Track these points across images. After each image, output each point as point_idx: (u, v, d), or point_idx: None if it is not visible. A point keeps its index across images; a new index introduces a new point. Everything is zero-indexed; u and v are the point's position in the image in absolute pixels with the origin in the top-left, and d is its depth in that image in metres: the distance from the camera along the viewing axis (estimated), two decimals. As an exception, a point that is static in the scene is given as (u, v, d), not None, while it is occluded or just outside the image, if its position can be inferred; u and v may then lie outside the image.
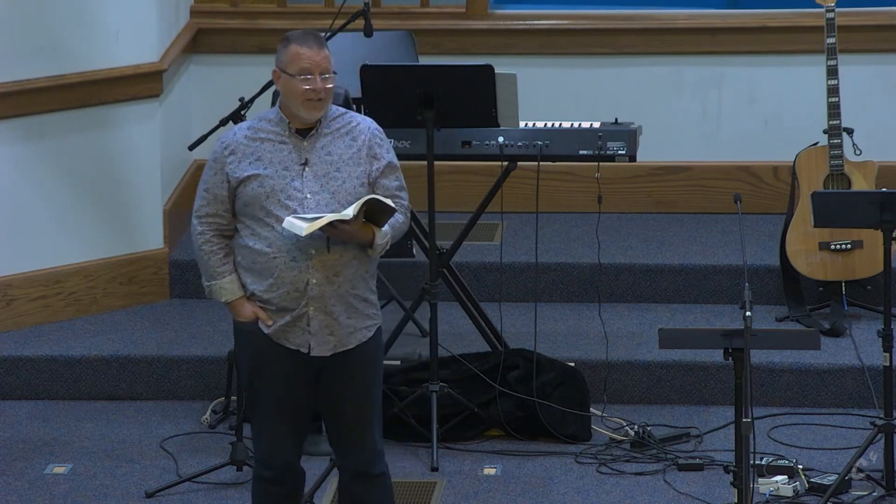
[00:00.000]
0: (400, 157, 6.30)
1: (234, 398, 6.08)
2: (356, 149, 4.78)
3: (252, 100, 5.94)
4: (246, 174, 4.74)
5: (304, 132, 4.76)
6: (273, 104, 6.00)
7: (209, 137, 5.98)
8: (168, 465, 5.91)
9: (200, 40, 7.39)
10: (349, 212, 4.66)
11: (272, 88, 6.04)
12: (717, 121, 7.38)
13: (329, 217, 4.64)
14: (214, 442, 6.06)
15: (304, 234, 4.63)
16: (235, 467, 5.78)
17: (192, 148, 6.11)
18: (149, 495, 5.71)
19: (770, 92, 7.32)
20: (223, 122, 5.93)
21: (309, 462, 5.86)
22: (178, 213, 7.13)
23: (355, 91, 6.14)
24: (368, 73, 6.10)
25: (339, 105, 5.90)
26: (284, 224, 4.66)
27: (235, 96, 5.96)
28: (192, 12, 7.41)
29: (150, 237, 6.90)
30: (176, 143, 6.96)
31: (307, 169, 4.73)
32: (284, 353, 4.75)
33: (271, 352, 4.76)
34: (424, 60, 6.68)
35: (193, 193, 7.38)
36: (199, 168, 7.51)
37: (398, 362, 6.25)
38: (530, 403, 6.03)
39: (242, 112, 5.90)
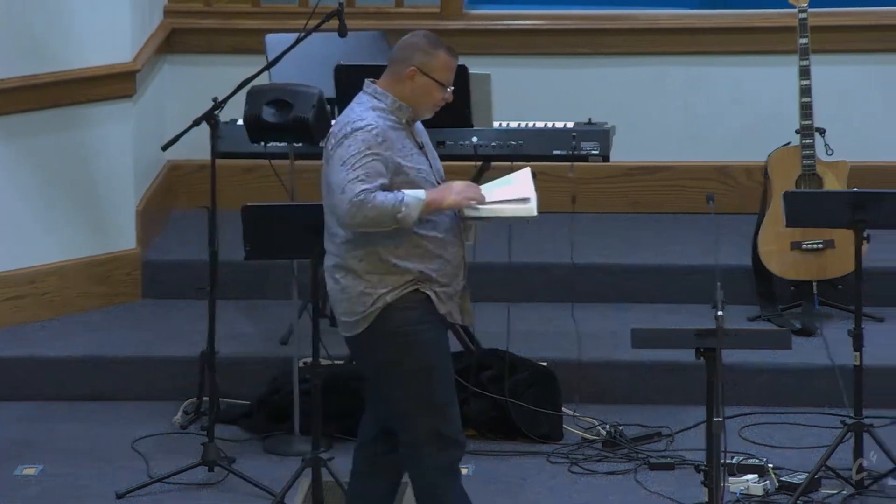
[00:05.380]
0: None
1: (205, 399, 6.08)
2: (421, 130, 5.00)
3: (226, 100, 5.94)
4: (395, 162, 4.83)
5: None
6: (247, 105, 6.04)
7: (182, 138, 5.98)
8: (141, 466, 5.90)
9: (174, 40, 7.38)
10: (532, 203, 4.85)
11: (246, 88, 6.03)
12: (692, 121, 7.39)
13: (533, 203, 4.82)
14: (187, 443, 6.05)
15: (535, 213, 4.82)
16: (207, 468, 5.78)
17: (165, 148, 6.10)
18: (119, 496, 5.71)
19: (744, 92, 7.34)
20: (196, 123, 5.92)
21: (281, 462, 5.88)
22: (150, 214, 7.13)
23: (330, 91, 6.14)
24: (343, 74, 6.10)
25: (314, 105, 5.94)
26: (520, 211, 4.80)
27: (209, 96, 5.95)
28: (166, 12, 7.41)
29: (123, 237, 6.89)
30: (149, 144, 6.95)
31: (423, 150, 4.92)
32: (445, 328, 4.89)
33: (444, 330, 4.89)
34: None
35: (166, 194, 7.57)
36: (172, 168, 7.52)
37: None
38: (503, 403, 6.03)
39: (216, 112, 5.89)
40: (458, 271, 4.89)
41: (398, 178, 4.80)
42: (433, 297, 4.83)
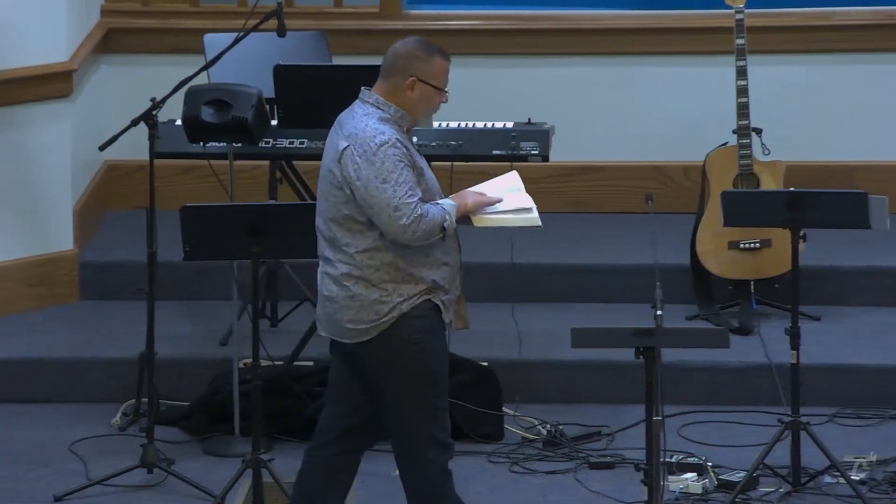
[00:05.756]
0: (314, 157, 6.32)
1: (144, 400, 6.05)
2: None
3: (164, 100, 5.90)
4: (419, 170, 4.85)
5: None
6: (186, 105, 6.01)
7: (120, 138, 5.94)
8: (79, 468, 5.86)
9: (112, 40, 7.34)
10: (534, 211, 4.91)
11: (185, 88, 6.01)
12: (631, 121, 7.43)
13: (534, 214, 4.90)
14: (125, 444, 6.01)
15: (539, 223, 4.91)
16: (146, 470, 5.75)
17: (102, 148, 6.06)
18: (57, 499, 5.67)
19: (682, 92, 7.38)
20: (134, 123, 5.88)
21: (221, 463, 5.86)
22: (88, 214, 7.08)
23: (269, 91, 6.12)
24: (282, 74, 6.08)
25: (253, 106, 5.92)
26: (527, 221, 4.84)
27: (147, 96, 5.92)
28: (103, 11, 7.36)
29: (61, 238, 6.84)
30: (87, 144, 6.90)
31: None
32: (445, 335, 4.93)
33: (445, 338, 4.93)
34: (340, 61, 6.68)
35: (104, 194, 7.53)
36: (109, 169, 7.48)
37: (311, 363, 6.24)
38: (444, 403, 6.04)
39: (154, 112, 5.86)
40: (457, 277, 4.95)
41: (420, 188, 4.84)
42: (441, 306, 4.89)
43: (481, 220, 4.92)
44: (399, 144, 4.80)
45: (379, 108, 4.85)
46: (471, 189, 4.96)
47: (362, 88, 4.91)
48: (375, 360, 4.89)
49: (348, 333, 4.89)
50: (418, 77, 4.85)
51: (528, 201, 4.95)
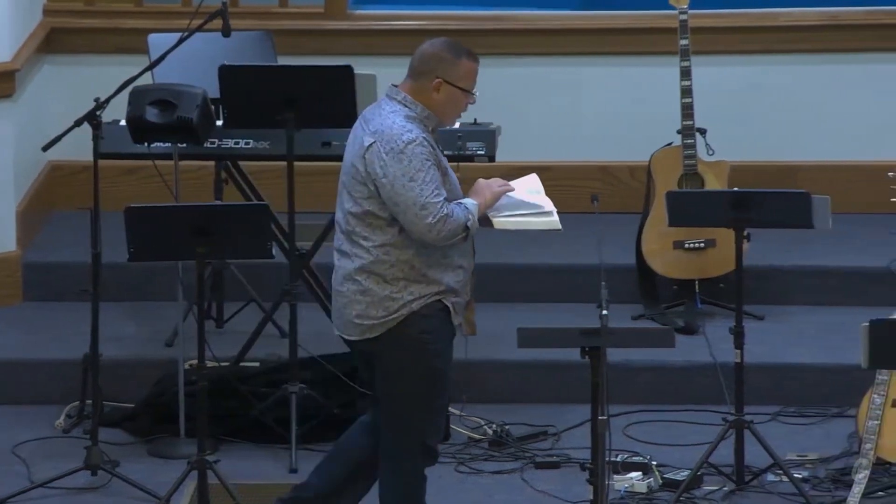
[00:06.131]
0: (260, 157, 6.34)
1: (89, 402, 6.02)
2: None
3: (108, 100, 5.87)
4: (444, 169, 4.86)
5: None
6: (130, 105, 5.98)
7: (64, 138, 5.90)
8: (22, 471, 5.82)
9: (55, 39, 7.29)
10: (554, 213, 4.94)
11: (129, 88, 5.98)
12: (576, 121, 7.45)
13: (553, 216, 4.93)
14: (70, 447, 5.98)
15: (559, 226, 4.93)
16: (90, 472, 5.72)
17: (46, 149, 6.02)
18: (0, 501, 5.63)
19: (627, 92, 7.41)
20: (78, 123, 5.85)
21: (167, 465, 5.83)
22: (31, 215, 7.03)
23: (214, 91, 6.10)
24: (227, 74, 6.07)
25: (198, 106, 5.90)
26: (548, 225, 4.86)
27: (92, 97, 5.89)
28: (46, 11, 7.31)
29: (3, 239, 6.79)
30: (29, 144, 6.85)
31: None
32: (453, 339, 4.95)
33: (452, 341, 4.96)
34: (286, 61, 6.67)
35: (47, 195, 7.48)
36: (53, 169, 7.43)
37: (257, 364, 6.23)
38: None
39: (98, 112, 5.83)
40: (469, 281, 4.96)
41: (444, 188, 4.84)
42: (451, 307, 4.90)
43: (501, 223, 4.92)
44: (426, 143, 4.82)
45: (406, 105, 4.87)
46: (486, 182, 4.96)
47: (390, 85, 4.94)
48: (379, 358, 4.90)
49: (355, 329, 4.89)
50: (444, 79, 4.87)
51: (549, 204, 4.96)
